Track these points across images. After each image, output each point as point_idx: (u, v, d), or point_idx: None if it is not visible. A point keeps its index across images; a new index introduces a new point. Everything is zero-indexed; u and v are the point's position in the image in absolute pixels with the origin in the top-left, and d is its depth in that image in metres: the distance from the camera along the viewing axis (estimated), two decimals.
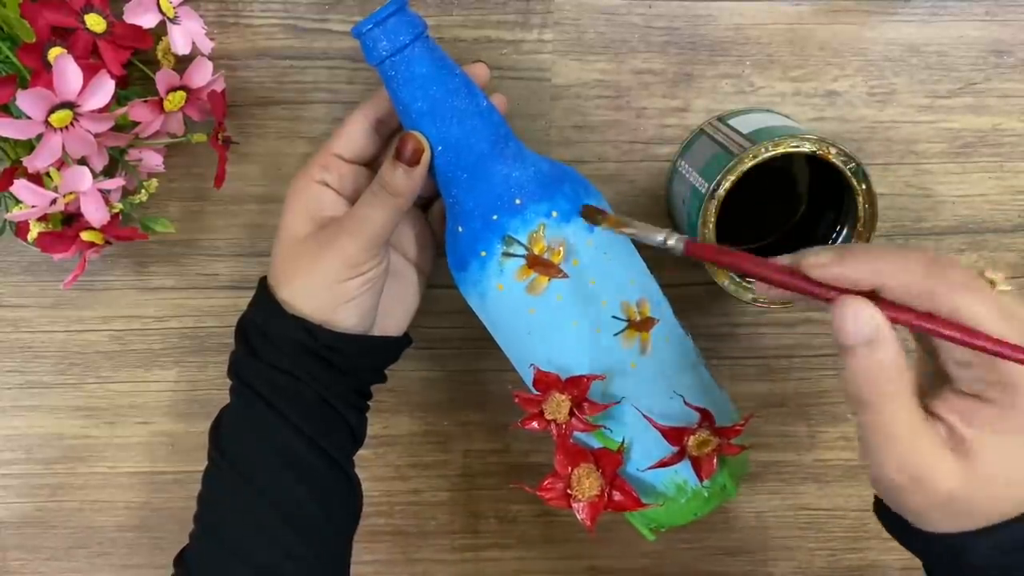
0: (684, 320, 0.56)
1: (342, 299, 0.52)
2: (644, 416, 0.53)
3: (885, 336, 0.39)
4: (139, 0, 0.50)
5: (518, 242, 0.51)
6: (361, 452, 0.56)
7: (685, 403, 0.53)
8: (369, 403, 0.57)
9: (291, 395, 0.52)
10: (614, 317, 0.52)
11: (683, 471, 0.54)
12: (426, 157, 0.50)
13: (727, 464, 0.56)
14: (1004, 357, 0.38)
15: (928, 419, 0.40)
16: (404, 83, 0.50)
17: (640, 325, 0.53)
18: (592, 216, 0.50)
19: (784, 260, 0.42)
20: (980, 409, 0.40)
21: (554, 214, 0.51)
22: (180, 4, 0.52)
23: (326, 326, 0.52)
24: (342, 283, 0.51)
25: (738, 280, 0.53)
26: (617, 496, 0.53)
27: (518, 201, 0.51)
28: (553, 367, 0.52)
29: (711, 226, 0.51)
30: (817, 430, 0.67)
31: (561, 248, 0.51)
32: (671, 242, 0.44)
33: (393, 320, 0.57)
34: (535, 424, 0.54)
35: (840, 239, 0.53)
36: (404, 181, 0.50)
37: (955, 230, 0.62)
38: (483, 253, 0.51)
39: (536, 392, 0.53)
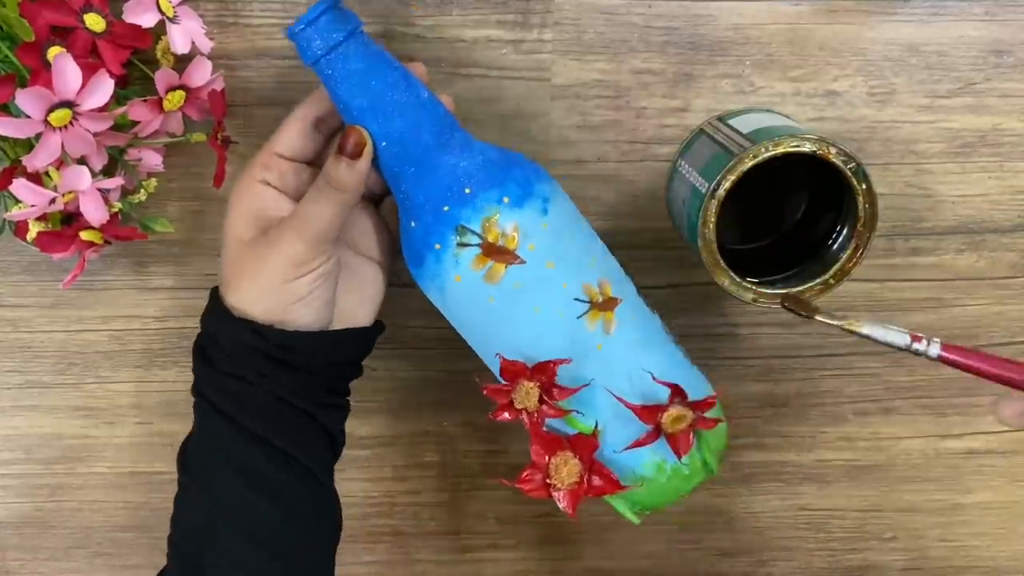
0: (684, 320, 0.56)
1: (292, 298, 0.51)
2: (615, 397, 0.52)
3: None
4: (138, 0, 0.50)
5: (471, 231, 0.50)
6: (361, 452, 0.56)
7: (654, 379, 0.52)
8: (348, 400, 0.56)
9: (243, 399, 0.51)
10: (576, 299, 0.51)
11: (661, 450, 0.54)
12: (368, 149, 0.50)
13: (704, 439, 0.55)
14: None
15: None
16: (342, 80, 0.49)
17: (603, 305, 0.52)
18: (802, 307, 0.47)
19: None
20: None
21: (505, 200, 0.50)
22: (180, 4, 0.52)
23: (278, 326, 0.51)
24: (291, 282, 0.51)
25: (738, 280, 0.53)
26: (597, 481, 0.52)
27: (468, 190, 0.50)
28: (519, 355, 0.52)
29: (711, 226, 0.51)
30: (817, 430, 0.67)
31: (515, 234, 0.50)
32: (921, 347, 0.41)
33: (355, 315, 0.56)
34: (506, 415, 0.53)
35: (840, 239, 0.53)
36: (348, 175, 0.50)
37: (955, 230, 0.62)
38: (437, 246, 0.51)
39: (504, 382, 0.52)
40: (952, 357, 0.41)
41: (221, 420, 0.52)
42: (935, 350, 0.41)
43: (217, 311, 0.52)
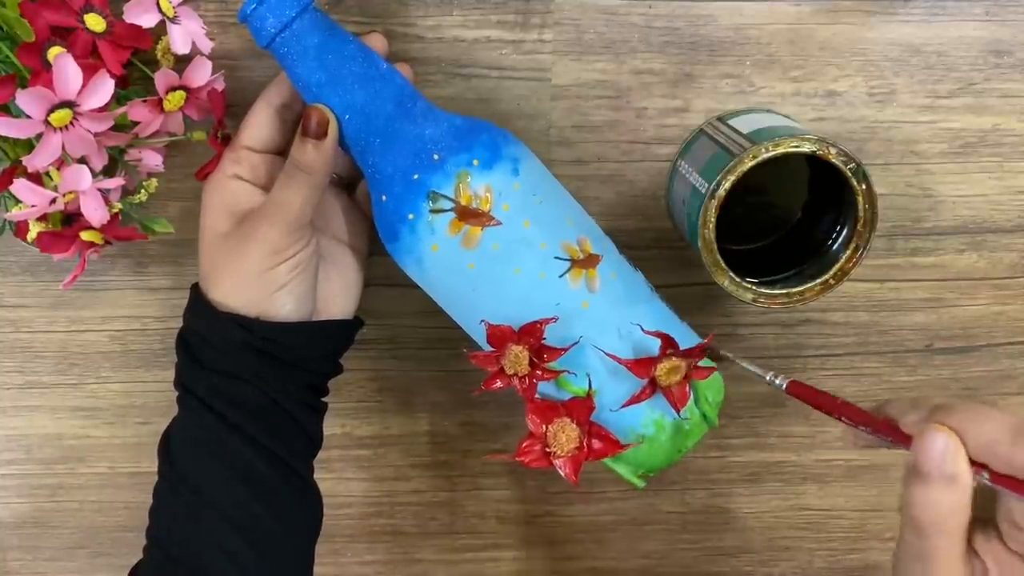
0: (684, 320, 0.56)
1: (273, 287, 0.51)
2: (607, 354, 0.51)
3: (965, 478, 0.41)
4: (139, 0, 0.50)
5: (444, 196, 0.50)
6: (361, 452, 0.56)
7: (643, 331, 0.52)
8: (325, 400, 0.56)
9: (236, 397, 0.52)
10: (556, 258, 0.51)
11: (659, 406, 0.53)
12: (333, 127, 0.50)
13: (701, 391, 0.54)
14: None
15: (969, 555, 0.42)
16: (299, 57, 0.49)
17: (584, 263, 0.52)
18: (714, 353, 0.53)
19: (875, 413, 0.46)
20: (1021, 568, 0.42)
21: (475, 162, 0.50)
22: (180, 4, 0.52)
23: (262, 318, 0.51)
24: (270, 271, 0.51)
25: (738, 280, 0.53)
26: (597, 444, 0.52)
27: (436, 156, 0.50)
28: (505, 320, 0.51)
29: (711, 226, 0.51)
30: (817, 430, 0.67)
31: (488, 195, 0.50)
32: (777, 381, 0.50)
33: (337, 304, 0.56)
34: (498, 383, 0.52)
35: (840, 239, 0.53)
36: (315, 156, 0.50)
37: (955, 230, 0.62)
38: (411, 216, 0.50)
39: (492, 349, 0.52)
40: (796, 391, 0.49)
41: (212, 417, 0.52)
42: (784, 384, 0.50)
43: (201, 307, 0.53)
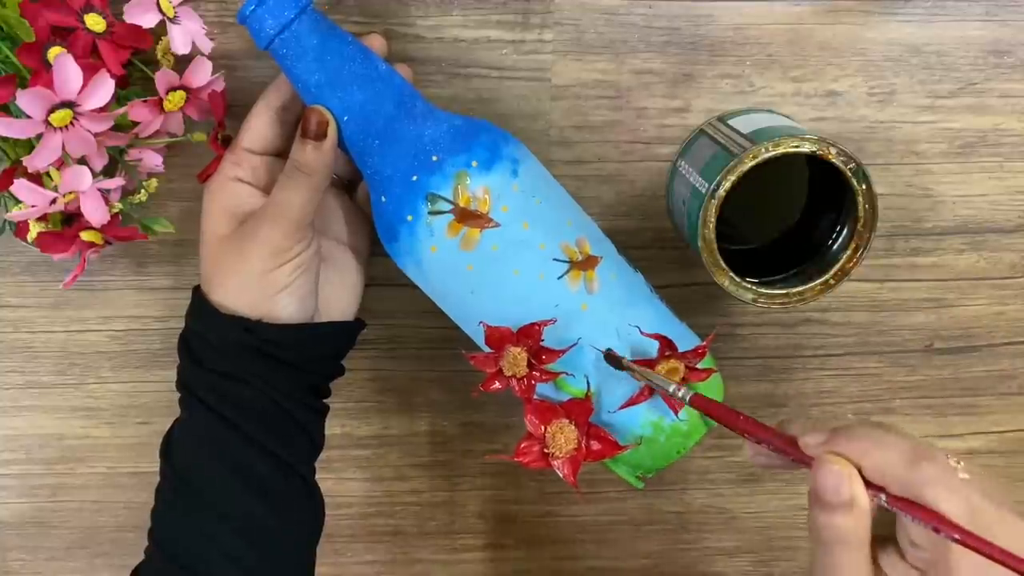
0: (684, 320, 0.56)
1: (275, 288, 0.51)
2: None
3: (862, 502, 0.42)
4: (139, 0, 0.50)
5: (442, 198, 0.50)
6: (361, 452, 0.56)
7: (641, 333, 0.52)
8: (327, 402, 0.56)
9: (237, 399, 0.52)
10: (555, 260, 0.51)
11: (657, 408, 0.53)
12: (332, 128, 0.50)
13: (699, 391, 0.54)
14: (970, 547, 0.40)
15: (876, 572, 0.44)
16: (298, 58, 0.49)
17: (583, 264, 0.52)
18: (615, 361, 0.52)
19: (778, 430, 0.46)
20: None
21: (474, 164, 0.50)
22: (180, 4, 0.52)
23: (265, 320, 0.51)
24: (272, 272, 0.51)
25: (738, 280, 0.53)
26: (595, 445, 0.52)
27: (435, 158, 0.50)
28: (503, 321, 0.51)
29: (711, 226, 0.51)
30: None
31: (487, 196, 0.50)
32: (680, 393, 0.49)
33: (338, 306, 0.56)
34: (497, 384, 0.52)
35: (840, 239, 0.53)
36: (315, 156, 0.50)
37: (955, 230, 0.62)
38: (409, 217, 0.50)
39: (490, 351, 0.52)
40: (698, 403, 0.49)
41: (213, 418, 0.52)
42: (688, 396, 0.49)
43: (203, 309, 0.53)
